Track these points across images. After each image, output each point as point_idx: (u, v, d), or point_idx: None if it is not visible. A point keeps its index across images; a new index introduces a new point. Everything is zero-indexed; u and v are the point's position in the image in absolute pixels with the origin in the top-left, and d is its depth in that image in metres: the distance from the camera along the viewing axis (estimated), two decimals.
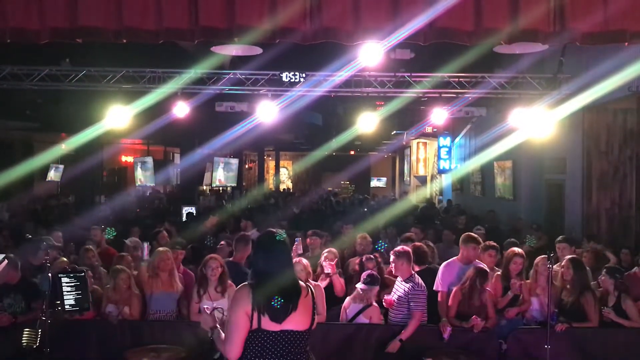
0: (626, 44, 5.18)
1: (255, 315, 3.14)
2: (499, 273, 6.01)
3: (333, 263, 6.23)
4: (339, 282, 6.23)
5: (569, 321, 5.45)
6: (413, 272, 5.82)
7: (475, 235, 6.35)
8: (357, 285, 5.85)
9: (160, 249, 6.16)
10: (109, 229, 6.77)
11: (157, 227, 9.23)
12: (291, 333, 3.21)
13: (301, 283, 3.36)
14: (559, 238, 6.79)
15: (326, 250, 6.50)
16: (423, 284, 5.75)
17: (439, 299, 5.94)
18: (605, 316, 5.52)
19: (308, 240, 7.50)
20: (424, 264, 6.39)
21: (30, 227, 9.80)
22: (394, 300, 5.70)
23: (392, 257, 5.84)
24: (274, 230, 3.49)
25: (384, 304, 5.78)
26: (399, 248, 5.99)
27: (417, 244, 6.67)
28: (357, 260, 7.01)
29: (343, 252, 7.65)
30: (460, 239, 6.27)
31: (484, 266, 5.91)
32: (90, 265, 6.36)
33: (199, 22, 5.02)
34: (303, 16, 4.91)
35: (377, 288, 5.82)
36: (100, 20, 5.03)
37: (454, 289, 5.82)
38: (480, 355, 5.25)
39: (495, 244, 6.37)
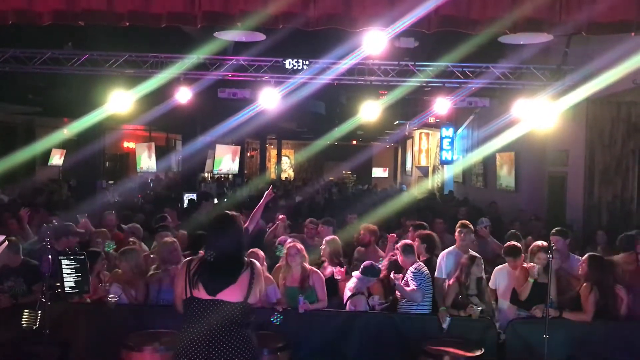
0: (632, 34, 5.14)
1: (188, 286, 3.45)
2: (524, 265, 5.79)
3: (342, 269, 6.18)
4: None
5: (558, 310, 5.44)
6: (417, 260, 5.90)
7: (467, 222, 6.42)
8: (352, 274, 5.88)
9: (167, 239, 6.09)
10: (108, 242, 6.76)
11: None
12: (221, 303, 3.41)
13: (246, 259, 3.56)
14: (553, 231, 6.71)
15: (326, 241, 6.45)
16: (427, 271, 5.82)
17: (438, 286, 5.96)
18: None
19: (319, 227, 7.50)
20: (432, 254, 6.32)
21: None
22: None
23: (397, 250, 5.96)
24: (228, 212, 3.71)
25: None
26: (402, 242, 6.07)
27: (431, 233, 6.61)
28: (362, 250, 7.02)
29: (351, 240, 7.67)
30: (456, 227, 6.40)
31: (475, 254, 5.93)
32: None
33: (201, 7, 4.99)
34: (306, 1, 4.87)
35: (373, 280, 5.83)
36: (103, 3, 5.01)
37: (451, 279, 5.85)
38: (479, 345, 5.25)
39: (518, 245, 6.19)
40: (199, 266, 3.48)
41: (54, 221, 6.24)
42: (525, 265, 5.77)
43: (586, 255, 5.75)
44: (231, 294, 3.41)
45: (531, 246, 5.95)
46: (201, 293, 3.41)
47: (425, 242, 6.31)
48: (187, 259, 3.67)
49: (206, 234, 3.72)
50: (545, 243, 5.81)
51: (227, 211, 3.72)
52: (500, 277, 6.06)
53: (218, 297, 3.40)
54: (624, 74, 7.96)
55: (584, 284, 5.51)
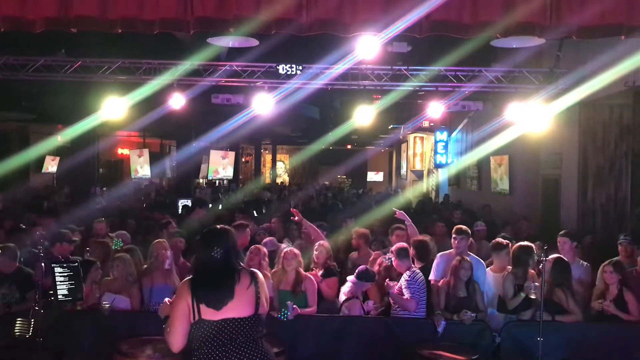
0: (622, 37, 5.17)
1: (196, 306, 3.24)
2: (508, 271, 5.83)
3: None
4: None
5: (552, 314, 5.46)
6: (412, 266, 5.86)
7: (463, 227, 6.33)
8: (347, 278, 5.87)
9: (157, 240, 6.17)
10: (116, 240, 6.83)
11: (152, 219, 9.18)
12: (233, 321, 3.27)
13: (243, 271, 3.40)
14: (562, 232, 6.72)
15: (317, 246, 6.38)
16: (421, 277, 5.75)
17: (433, 291, 5.94)
18: (605, 309, 5.56)
19: None
20: (425, 261, 6.20)
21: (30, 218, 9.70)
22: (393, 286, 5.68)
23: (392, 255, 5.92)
24: (219, 226, 3.53)
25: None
26: (396, 245, 6.03)
27: (424, 240, 6.43)
28: (355, 255, 7.01)
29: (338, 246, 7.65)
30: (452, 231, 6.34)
31: (471, 257, 5.90)
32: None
33: (194, 13, 4.99)
34: (299, 7, 4.87)
35: (368, 285, 5.81)
36: (95, 10, 4.99)
37: (441, 281, 5.84)
38: (474, 349, 5.25)
39: (506, 242, 6.20)
40: (196, 283, 3.30)
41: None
42: (508, 272, 5.78)
43: (551, 257, 5.73)
44: (238, 310, 3.28)
45: (513, 247, 5.95)
46: (209, 313, 3.24)
47: (415, 249, 6.15)
48: (187, 278, 3.41)
49: (196, 251, 3.52)
50: (530, 244, 5.87)
51: (216, 226, 3.53)
52: (486, 285, 6.03)
53: (228, 315, 3.25)
54: (616, 77, 7.99)
55: (555, 289, 5.54)
